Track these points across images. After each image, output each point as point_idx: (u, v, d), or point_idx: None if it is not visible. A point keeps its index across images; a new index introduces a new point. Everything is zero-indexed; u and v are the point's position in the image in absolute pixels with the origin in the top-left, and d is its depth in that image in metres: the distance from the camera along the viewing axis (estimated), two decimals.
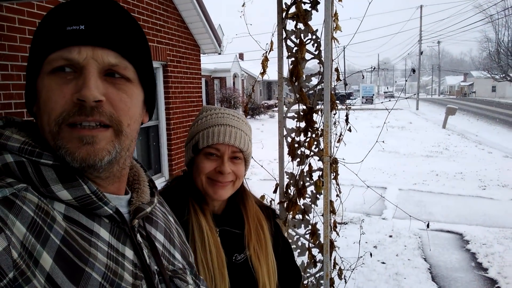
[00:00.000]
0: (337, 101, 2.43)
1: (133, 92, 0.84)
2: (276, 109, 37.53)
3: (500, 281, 5.02)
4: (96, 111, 0.75)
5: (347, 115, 2.43)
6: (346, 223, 7.16)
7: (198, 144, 1.45)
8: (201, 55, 8.77)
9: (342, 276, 2.49)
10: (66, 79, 0.76)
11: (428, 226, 2.98)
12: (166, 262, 0.92)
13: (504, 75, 61.26)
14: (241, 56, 40.21)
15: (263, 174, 9.28)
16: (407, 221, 7.08)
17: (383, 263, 5.63)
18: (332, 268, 2.43)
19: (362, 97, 46.96)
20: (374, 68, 3.11)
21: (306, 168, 2.38)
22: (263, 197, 2.37)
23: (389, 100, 2.50)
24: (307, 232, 2.44)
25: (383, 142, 2.70)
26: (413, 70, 2.89)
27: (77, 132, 0.75)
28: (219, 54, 9.43)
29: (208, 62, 25.84)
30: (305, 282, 2.46)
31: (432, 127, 23.43)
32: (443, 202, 8.55)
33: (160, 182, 7.04)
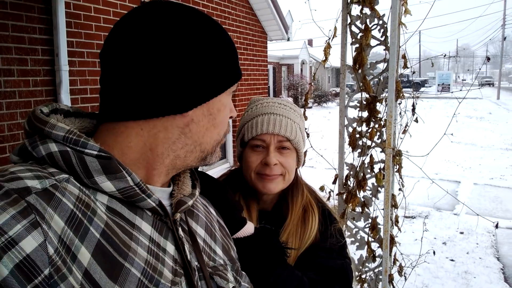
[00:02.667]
0: (410, 89, 2.29)
1: None
2: None
3: None
4: None
5: (413, 105, 2.30)
6: (414, 217, 6.88)
7: (244, 137, 1.41)
8: (269, 42, 8.74)
9: (403, 273, 2.38)
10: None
11: (497, 226, 2.76)
12: (207, 258, 0.90)
13: None
14: (310, 42, 39.67)
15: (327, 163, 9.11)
16: (481, 217, 6.66)
17: (452, 260, 5.35)
18: (392, 264, 2.33)
19: (438, 84, 44.55)
20: (446, 56, 2.90)
21: (367, 160, 2.29)
22: (322, 187, 2.32)
23: (460, 90, 2.30)
24: (367, 226, 2.36)
25: (452, 134, 2.52)
26: (488, 58, 2.66)
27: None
28: (287, 40, 9.35)
29: (276, 49, 25.76)
30: (363, 276, 2.39)
31: None
32: None
33: (225, 168, 7.18)
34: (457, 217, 7.02)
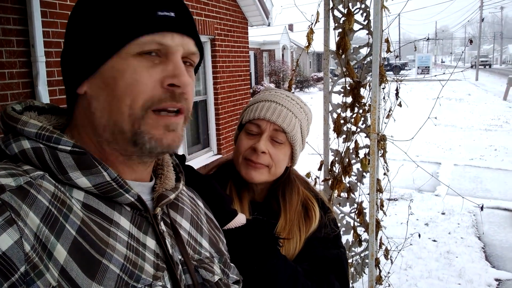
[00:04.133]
0: (391, 72, 2.29)
1: (193, 76, 0.87)
2: None
3: None
4: (182, 98, 0.78)
5: (397, 89, 2.30)
6: (397, 199, 6.99)
7: (242, 120, 1.39)
8: (249, 27, 8.66)
9: (389, 257, 2.42)
10: (153, 63, 0.76)
11: (482, 208, 2.82)
12: (192, 251, 0.88)
13: None
14: (290, 27, 39.54)
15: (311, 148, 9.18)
16: (461, 198, 6.80)
17: (434, 241, 5.47)
18: (378, 248, 2.36)
19: (418, 67, 45.01)
20: (428, 39, 2.91)
21: (352, 145, 2.29)
22: (308, 174, 2.32)
23: (444, 73, 2.31)
24: (353, 211, 2.38)
25: (436, 118, 2.54)
26: (471, 41, 2.68)
27: (164, 120, 0.77)
28: (268, 26, 9.28)
29: (257, 35, 25.60)
30: (350, 260, 2.41)
31: (492, 99, 22.19)
32: (501, 179, 8.15)
33: (209, 156, 7.14)
34: (438, 198, 7.16)
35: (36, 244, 0.61)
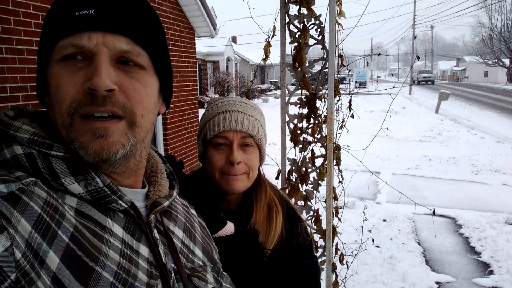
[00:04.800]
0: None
1: (147, 80, 0.80)
2: (270, 93, 37.44)
3: (492, 264, 5.12)
4: (108, 101, 0.72)
5: (350, 102, 2.42)
6: (341, 207, 7.22)
7: (206, 136, 1.40)
8: (196, 38, 8.67)
9: (344, 262, 2.51)
10: (76, 67, 0.73)
11: (434, 213, 3.00)
12: (185, 259, 0.88)
13: (496, 60, 61.45)
14: (234, 39, 39.90)
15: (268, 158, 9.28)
16: (401, 205, 7.15)
17: (378, 246, 5.70)
18: (334, 253, 2.45)
19: (356, 81, 46.85)
20: (379, 54, 3.09)
21: (309, 155, 2.38)
22: None
23: (393, 87, 2.47)
24: (309, 218, 2.45)
25: (387, 129, 2.70)
26: (418, 57, 2.87)
27: (90, 125, 0.72)
28: (212, 37, 9.32)
29: (201, 46, 25.61)
30: None
31: (425, 112, 23.54)
32: (436, 187, 8.65)
33: None
34: (379, 206, 7.49)
35: (27, 252, 0.60)
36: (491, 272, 4.95)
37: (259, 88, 32.70)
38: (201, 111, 8.76)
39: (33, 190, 0.67)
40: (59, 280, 0.63)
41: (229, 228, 1.19)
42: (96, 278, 0.67)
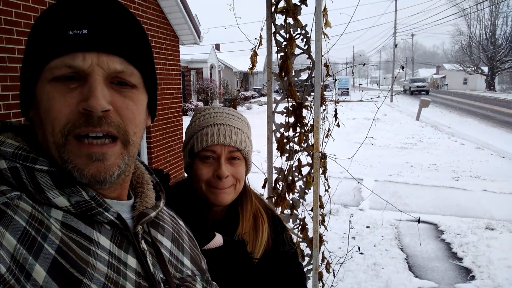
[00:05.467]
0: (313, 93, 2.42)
1: (139, 98, 0.81)
2: (253, 100, 37.52)
3: (474, 270, 5.20)
4: (104, 122, 0.72)
5: (336, 110, 2.45)
6: (325, 215, 7.26)
7: (193, 148, 1.39)
8: (181, 46, 8.66)
9: (330, 270, 2.53)
10: (69, 88, 0.72)
11: (419, 221, 3.04)
12: (173, 269, 0.88)
13: (475, 68, 62.77)
14: (217, 47, 39.94)
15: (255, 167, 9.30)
16: (384, 212, 7.23)
17: (362, 253, 5.73)
18: (321, 262, 2.46)
19: (338, 89, 47.27)
20: (364, 64, 3.13)
21: (295, 163, 2.39)
22: None
23: (371, 99, 2.51)
24: (295, 227, 2.46)
25: (373, 137, 2.73)
26: (403, 67, 2.93)
27: (86, 149, 0.72)
28: (194, 44, 9.32)
29: (185, 53, 25.58)
30: None
31: (406, 119, 23.88)
32: (417, 193, 8.76)
33: None
34: (362, 213, 7.55)
35: (12, 266, 0.60)
36: (473, 278, 5.03)
37: (242, 96, 32.77)
38: (185, 119, 8.70)
39: (18, 204, 0.67)
40: None
41: (218, 240, 1.20)
42: None
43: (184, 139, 1.48)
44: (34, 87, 0.76)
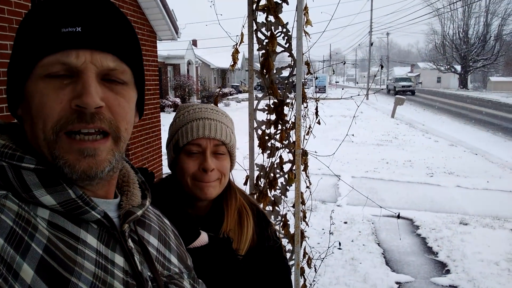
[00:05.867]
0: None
1: (130, 95, 0.82)
2: (231, 97, 37.46)
3: (449, 264, 5.34)
4: (96, 118, 0.73)
5: (316, 108, 2.48)
6: (308, 210, 7.32)
7: (178, 143, 1.39)
8: (158, 41, 8.57)
9: (312, 265, 2.56)
10: (62, 84, 0.72)
11: (398, 217, 3.10)
12: (161, 267, 0.89)
13: (448, 66, 64.15)
14: (194, 43, 39.68)
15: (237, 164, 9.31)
16: (361, 207, 7.34)
17: (340, 248, 5.81)
18: (302, 257, 2.49)
19: (315, 86, 47.63)
20: (344, 62, 3.18)
21: (277, 160, 2.41)
22: None
23: (351, 97, 2.55)
24: (277, 223, 2.48)
25: (353, 135, 2.78)
26: (382, 66, 2.98)
27: (78, 144, 0.73)
28: (171, 40, 9.26)
29: (162, 49, 25.31)
30: None
31: (381, 116, 24.24)
32: (393, 189, 8.92)
33: None
34: (340, 208, 7.65)
35: (0, 266, 0.60)
36: (448, 272, 5.16)
37: (221, 92, 32.65)
38: (162, 115, 8.58)
39: (4, 203, 0.66)
40: None
41: (203, 238, 1.21)
42: None
43: (168, 135, 1.48)
44: (23, 84, 0.75)
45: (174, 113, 1.53)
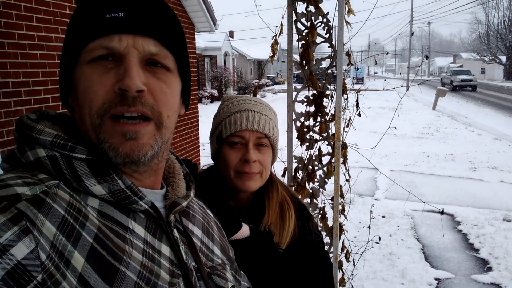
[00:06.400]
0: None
1: (172, 82, 0.82)
2: (267, 88, 37.40)
3: (491, 261, 5.16)
4: (138, 102, 0.74)
5: (357, 100, 2.43)
6: (347, 203, 7.25)
7: (221, 134, 1.40)
8: (196, 33, 8.64)
9: (350, 259, 2.53)
10: (106, 68, 0.74)
11: (442, 212, 3.03)
12: (205, 258, 0.90)
13: (493, 57, 61.56)
14: (231, 34, 39.80)
15: None
16: (399, 201, 7.20)
17: (377, 243, 5.71)
18: (341, 251, 2.46)
19: (353, 77, 46.92)
20: (387, 53, 3.10)
21: (316, 153, 2.38)
22: None
23: (394, 88, 2.48)
24: (315, 216, 2.46)
25: (396, 128, 2.71)
26: (427, 57, 2.88)
27: (120, 127, 0.74)
28: (213, 32, 9.32)
29: (199, 41, 25.54)
30: None
31: (422, 108, 23.59)
32: (434, 183, 8.69)
33: None
34: (378, 202, 7.52)
35: (52, 253, 0.61)
36: (489, 269, 4.99)
37: (257, 84, 32.70)
38: (200, 106, 8.65)
39: (56, 192, 0.68)
40: (85, 279, 0.63)
41: (245, 231, 1.21)
42: (121, 277, 0.68)
43: (211, 126, 1.49)
44: (72, 71, 0.78)
45: (211, 104, 1.53)
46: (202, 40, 26.97)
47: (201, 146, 8.82)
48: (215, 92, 26.31)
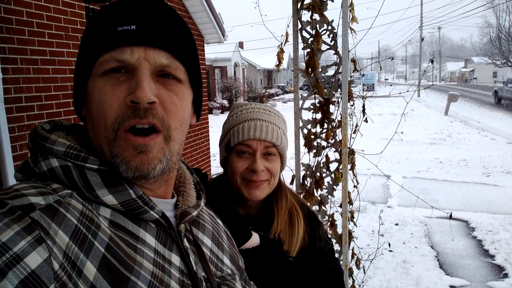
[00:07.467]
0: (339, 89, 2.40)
1: (184, 93, 0.83)
2: (277, 97, 37.46)
3: (507, 267, 5.07)
4: (149, 113, 0.75)
5: (363, 106, 2.43)
6: (356, 211, 7.19)
7: (230, 142, 1.40)
8: (205, 45, 8.72)
9: (361, 266, 2.51)
10: (118, 81, 0.75)
11: (450, 217, 2.99)
12: (214, 268, 0.90)
13: (505, 60, 60.87)
14: (240, 45, 40.05)
15: None
16: (413, 208, 7.12)
17: (391, 251, 5.66)
18: (351, 258, 2.45)
19: (363, 84, 46.66)
20: (392, 58, 3.10)
21: (323, 160, 2.38)
22: None
23: (400, 93, 2.46)
24: (324, 223, 2.46)
25: (402, 133, 2.70)
26: (432, 61, 2.88)
27: (131, 141, 0.75)
28: (222, 43, 9.40)
29: (209, 52, 25.74)
30: None
31: (434, 114, 23.40)
32: (447, 189, 8.58)
33: None
34: (390, 210, 7.44)
35: (65, 262, 0.62)
36: (506, 275, 4.90)
37: (267, 93, 32.76)
38: (210, 117, 8.71)
39: (69, 202, 0.69)
40: None
41: (255, 239, 1.21)
42: (132, 286, 0.68)
43: (221, 134, 1.50)
44: (85, 83, 0.79)
45: (222, 115, 1.54)
46: (212, 51, 27.18)
47: (212, 156, 8.85)
48: (225, 102, 26.44)
